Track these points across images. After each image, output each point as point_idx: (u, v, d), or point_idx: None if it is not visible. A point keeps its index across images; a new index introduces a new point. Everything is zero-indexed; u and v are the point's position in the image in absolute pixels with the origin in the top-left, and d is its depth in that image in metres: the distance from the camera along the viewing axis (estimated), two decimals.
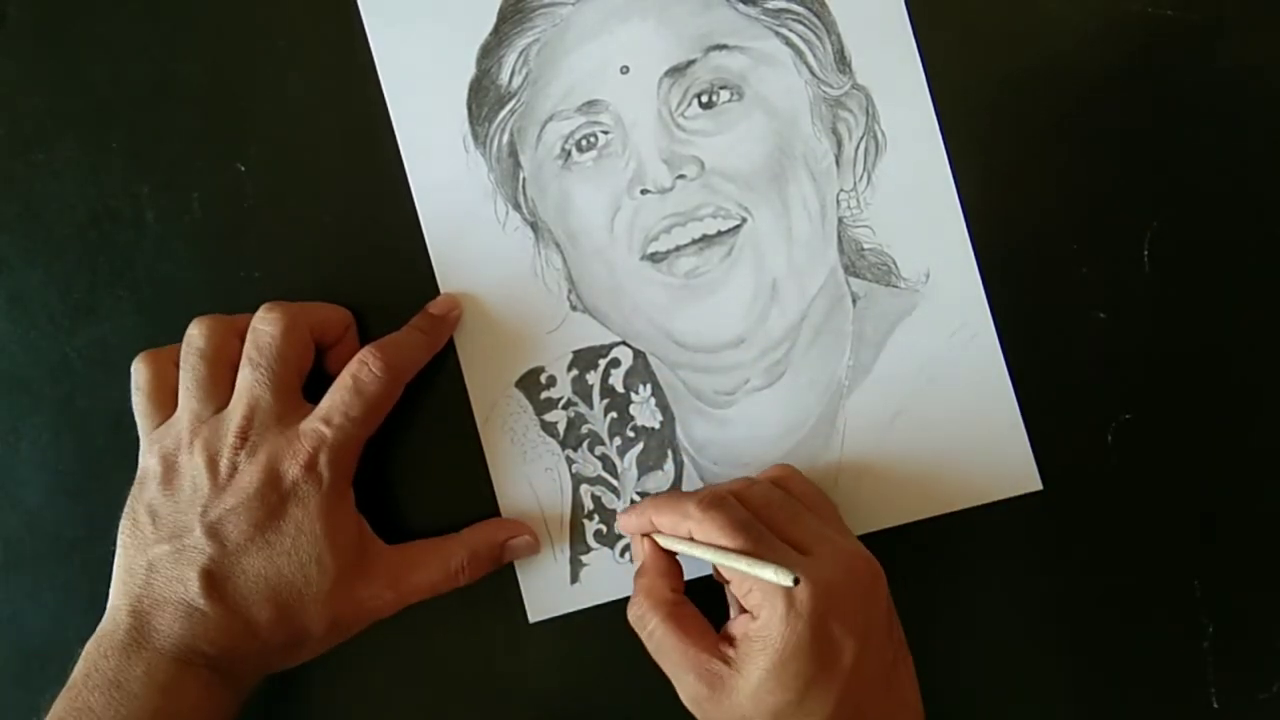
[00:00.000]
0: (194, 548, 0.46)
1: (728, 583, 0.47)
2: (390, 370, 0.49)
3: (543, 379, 0.53)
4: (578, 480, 0.53)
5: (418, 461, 0.52)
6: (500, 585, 0.52)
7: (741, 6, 0.52)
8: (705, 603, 0.48)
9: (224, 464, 0.47)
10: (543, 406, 0.53)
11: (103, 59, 0.53)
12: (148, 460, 0.48)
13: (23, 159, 0.53)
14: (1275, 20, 0.53)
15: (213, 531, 0.46)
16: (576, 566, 0.52)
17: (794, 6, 0.52)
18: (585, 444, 0.53)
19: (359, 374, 0.48)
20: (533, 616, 0.52)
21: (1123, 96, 0.53)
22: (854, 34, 0.52)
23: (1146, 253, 0.52)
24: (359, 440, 0.49)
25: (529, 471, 0.53)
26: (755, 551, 0.44)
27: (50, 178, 0.53)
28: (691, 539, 0.47)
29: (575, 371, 0.53)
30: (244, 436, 0.47)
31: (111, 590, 0.47)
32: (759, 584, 0.44)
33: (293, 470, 0.47)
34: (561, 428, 0.53)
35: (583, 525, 0.52)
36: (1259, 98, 0.53)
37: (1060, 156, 0.53)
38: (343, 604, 0.47)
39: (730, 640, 0.46)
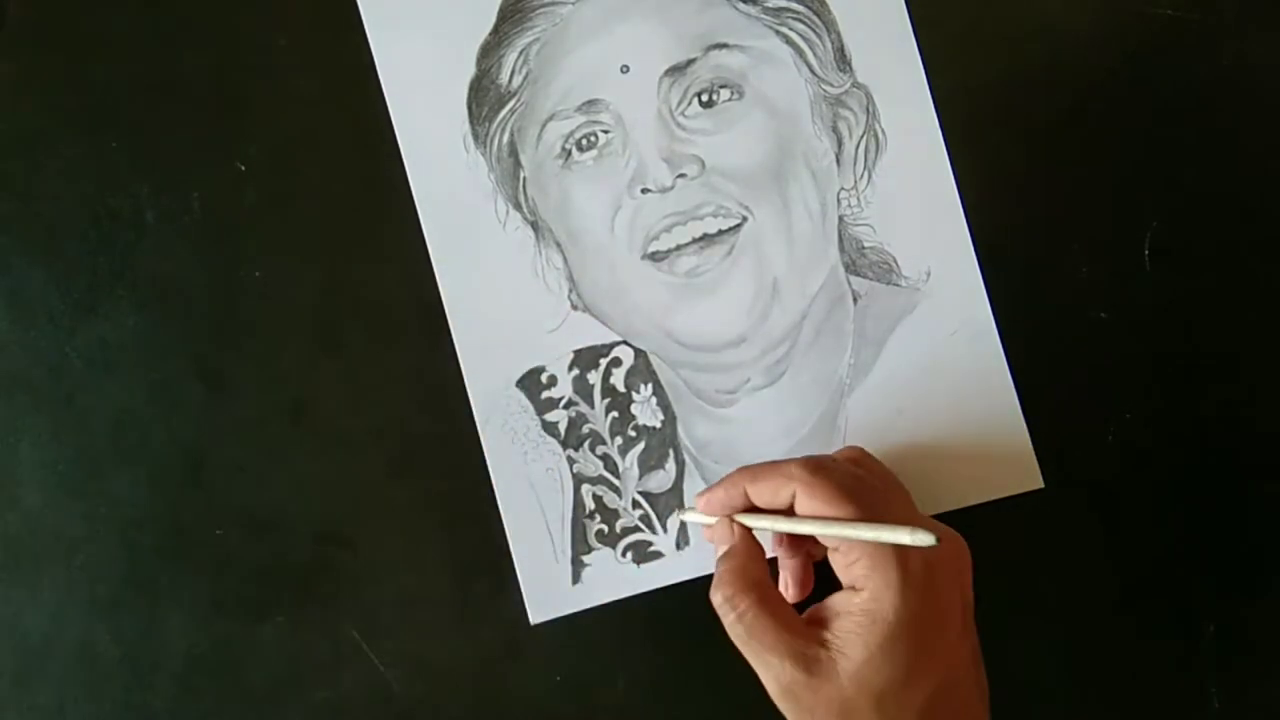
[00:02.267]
0: None
1: (802, 557, 0.46)
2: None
3: (544, 379, 0.53)
4: (579, 480, 0.53)
5: (418, 461, 0.52)
6: (500, 586, 0.52)
7: (741, 5, 0.52)
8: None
9: None
10: (544, 406, 0.53)
11: (103, 59, 0.53)
12: None
13: (23, 159, 0.53)
14: (1275, 20, 0.53)
15: None
16: (578, 567, 0.52)
17: (794, 5, 0.53)
18: (586, 444, 0.53)
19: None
20: (534, 617, 0.52)
21: (1123, 96, 0.53)
22: (854, 33, 0.52)
23: (1146, 253, 0.52)
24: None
25: (529, 471, 0.52)
26: (868, 519, 0.43)
27: (50, 178, 0.53)
28: (789, 512, 0.45)
29: (576, 371, 0.53)
30: None
31: None
32: (866, 555, 0.42)
33: None
34: (562, 427, 0.53)
35: (584, 525, 0.52)
36: (1259, 98, 0.53)
37: (1060, 156, 0.53)
38: None
39: (823, 622, 0.44)
